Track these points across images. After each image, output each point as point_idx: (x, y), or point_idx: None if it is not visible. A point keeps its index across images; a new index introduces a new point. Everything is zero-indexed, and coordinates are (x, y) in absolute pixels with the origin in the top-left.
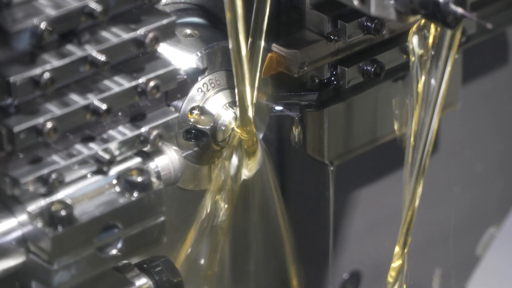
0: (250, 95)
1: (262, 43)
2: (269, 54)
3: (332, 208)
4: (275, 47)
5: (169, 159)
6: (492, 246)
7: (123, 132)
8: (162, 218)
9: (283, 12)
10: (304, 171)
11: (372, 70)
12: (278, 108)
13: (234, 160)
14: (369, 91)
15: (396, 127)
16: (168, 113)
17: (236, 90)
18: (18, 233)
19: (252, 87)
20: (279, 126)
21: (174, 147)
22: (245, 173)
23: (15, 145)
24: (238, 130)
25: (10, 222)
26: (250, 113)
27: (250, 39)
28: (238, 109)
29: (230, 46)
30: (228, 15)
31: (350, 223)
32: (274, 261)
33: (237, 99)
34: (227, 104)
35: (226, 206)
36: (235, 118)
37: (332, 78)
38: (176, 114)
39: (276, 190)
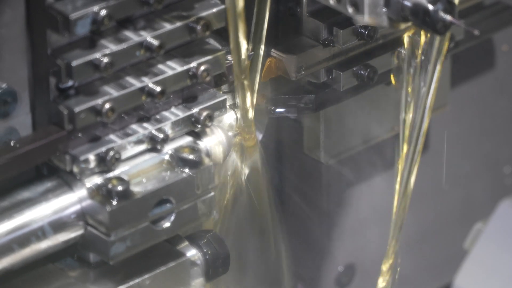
0: (250, 98)
1: (262, 49)
2: (269, 59)
3: (327, 204)
4: (274, 52)
5: (217, 139)
6: (479, 240)
7: (175, 113)
8: (211, 194)
9: (282, 19)
10: (301, 169)
11: (366, 74)
12: (277, 110)
13: (235, 159)
14: (363, 94)
15: (388, 128)
16: (218, 95)
17: (237, 93)
18: (77, 208)
19: (252, 90)
20: (278, 127)
21: (222, 128)
22: (245, 171)
23: (76, 125)
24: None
25: (69, 197)
26: (251, 114)
27: (250, 45)
28: (239, 111)
29: (231, 51)
30: (229, 22)
31: (345, 218)
32: (269, 256)
33: (238, 101)
34: (228, 106)
35: (222, 202)
36: (236, 120)
37: (328, 82)
38: (225, 97)
39: (271, 187)
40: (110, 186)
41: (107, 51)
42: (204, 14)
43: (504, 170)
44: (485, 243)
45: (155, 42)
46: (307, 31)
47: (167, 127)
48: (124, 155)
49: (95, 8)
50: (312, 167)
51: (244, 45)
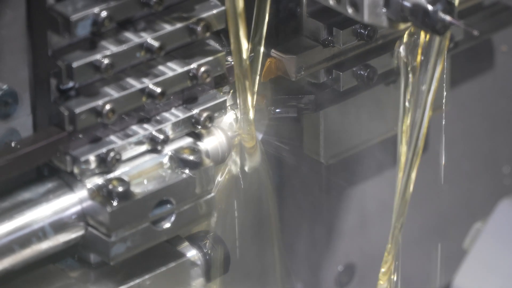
0: (250, 98)
1: (262, 49)
2: (269, 60)
3: (327, 204)
4: (274, 53)
5: (217, 140)
6: (478, 240)
7: (176, 114)
8: (212, 194)
9: (282, 20)
10: (301, 169)
11: (365, 74)
12: (277, 110)
13: (235, 159)
14: (362, 94)
15: (388, 128)
16: (218, 96)
17: (237, 94)
18: (77, 208)
19: (253, 90)
20: (278, 127)
21: (223, 128)
22: (245, 171)
23: (76, 126)
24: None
25: (70, 198)
26: (251, 115)
27: (250, 46)
28: (239, 111)
29: (232, 52)
30: (230, 23)
31: (345, 218)
32: (268, 255)
33: (238, 102)
34: (228, 107)
35: (223, 200)
36: (236, 120)
37: (328, 82)
38: (225, 98)
39: (271, 187)
40: (110, 187)
41: (108, 53)
42: (204, 15)
43: (504, 170)
44: (484, 243)
45: (156, 44)
46: (307, 31)
47: (168, 128)
48: (125, 156)
49: (96, 10)
50: (312, 167)
51: (244, 45)
